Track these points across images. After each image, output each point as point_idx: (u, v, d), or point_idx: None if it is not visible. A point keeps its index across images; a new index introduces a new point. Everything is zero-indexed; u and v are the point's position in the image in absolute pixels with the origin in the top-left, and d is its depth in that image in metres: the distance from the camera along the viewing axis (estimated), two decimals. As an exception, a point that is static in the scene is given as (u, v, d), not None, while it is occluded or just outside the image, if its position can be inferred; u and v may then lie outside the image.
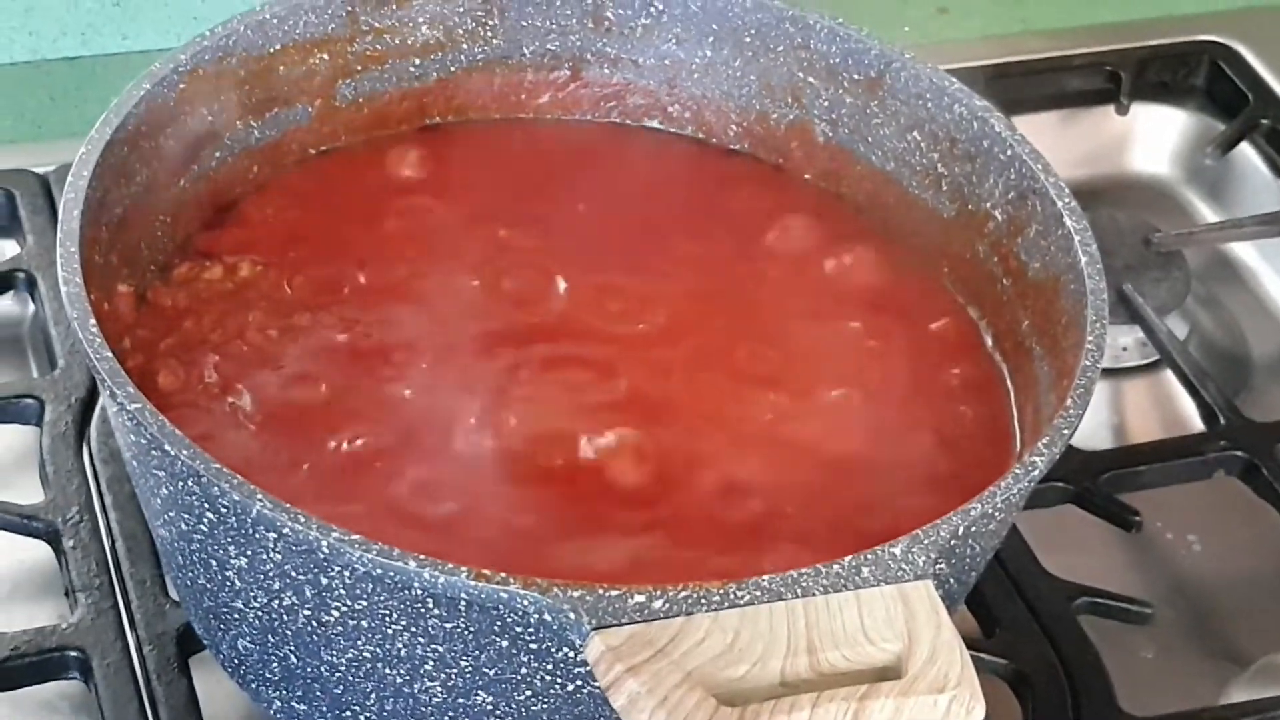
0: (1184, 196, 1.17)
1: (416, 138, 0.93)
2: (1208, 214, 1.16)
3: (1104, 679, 0.86)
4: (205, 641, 0.79)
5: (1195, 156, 1.17)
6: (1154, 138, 1.18)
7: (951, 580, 0.74)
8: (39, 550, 0.88)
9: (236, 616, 0.73)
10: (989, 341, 0.86)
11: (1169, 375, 1.02)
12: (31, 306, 0.99)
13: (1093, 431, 1.01)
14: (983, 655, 0.86)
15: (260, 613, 0.72)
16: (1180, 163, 1.18)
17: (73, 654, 0.82)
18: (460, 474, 0.78)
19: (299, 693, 0.74)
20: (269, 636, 0.72)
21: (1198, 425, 0.99)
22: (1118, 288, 1.04)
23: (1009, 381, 0.84)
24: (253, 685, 0.76)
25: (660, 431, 0.80)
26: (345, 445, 0.78)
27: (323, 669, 0.72)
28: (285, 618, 0.71)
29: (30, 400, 0.92)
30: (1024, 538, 0.91)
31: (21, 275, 0.97)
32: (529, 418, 0.80)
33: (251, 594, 0.71)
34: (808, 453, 0.81)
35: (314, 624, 0.70)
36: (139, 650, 0.83)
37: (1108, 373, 1.03)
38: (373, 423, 0.79)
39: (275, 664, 0.73)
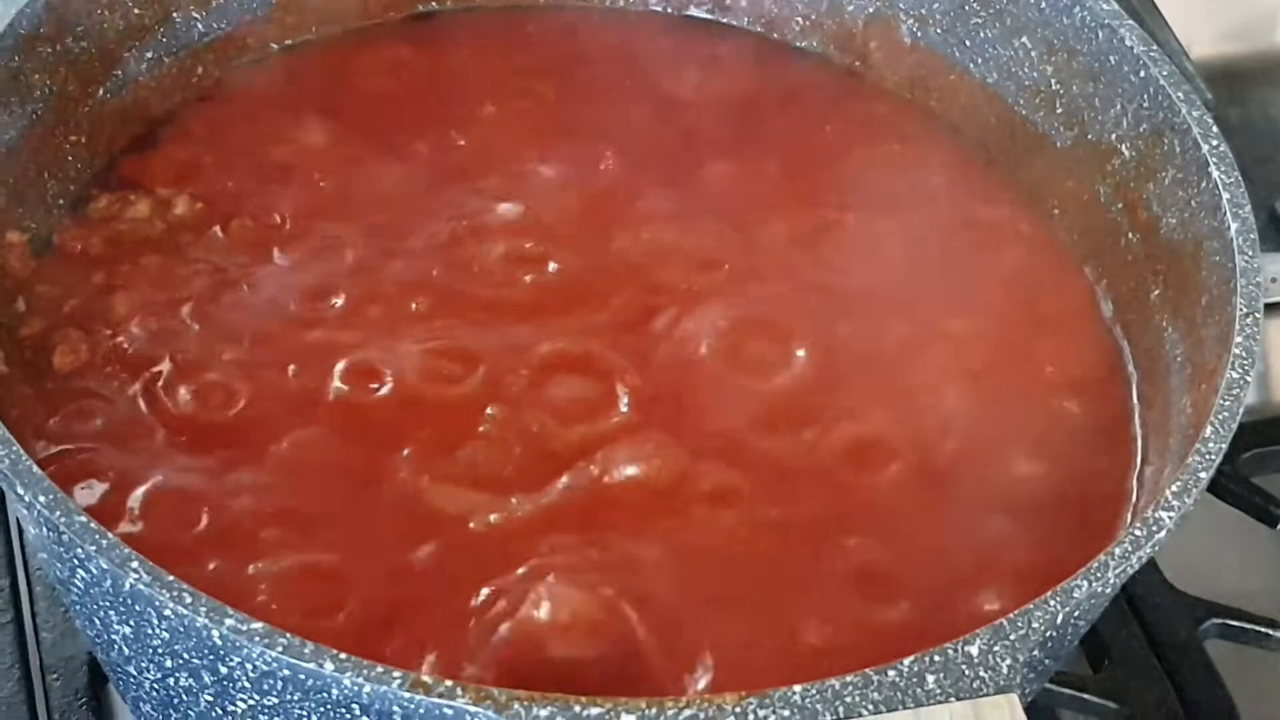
0: (1352, 82, 1.04)
1: (406, 28, 0.79)
2: (1381, 103, 1.03)
3: (1236, 724, 0.73)
4: (114, 687, 0.65)
5: (1365, 32, 1.04)
6: (1317, 9, 1.05)
7: (1046, 661, 0.59)
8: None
9: (133, 681, 0.59)
10: (1107, 310, 0.72)
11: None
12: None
13: (1233, 384, 0.86)
14: (1088, 696, 0.73)
15: (157, 686, 0.58)
16: (1348, 40, 1.05)
17: (-44, 685, 0.68)
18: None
19: (218, 777, 0.59)
20: (171, 712, 0.59)
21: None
22: (1269, 205, 0.91)
23: (1131, 367, 0.70)
24: (167, 754, 0.62)
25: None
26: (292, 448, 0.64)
27: (239, 759, 0.57)
28: (185, 698, 0.57)
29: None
30: (1143, 541, 0.75)
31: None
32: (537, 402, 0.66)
33: (143, 665, 0.58)
34: (867, 449, 0.66)
35: (219, 712, 0.56)
36: (41, 678, 0.70)
37: (1254, 311, 0.89)
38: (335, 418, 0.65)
39: (184, 740, 0.59)
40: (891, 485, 0.65)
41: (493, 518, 0.62)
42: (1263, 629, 0.76)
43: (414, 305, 0.68)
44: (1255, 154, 0.91)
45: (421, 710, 0.51)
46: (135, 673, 0.58)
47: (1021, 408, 0.68)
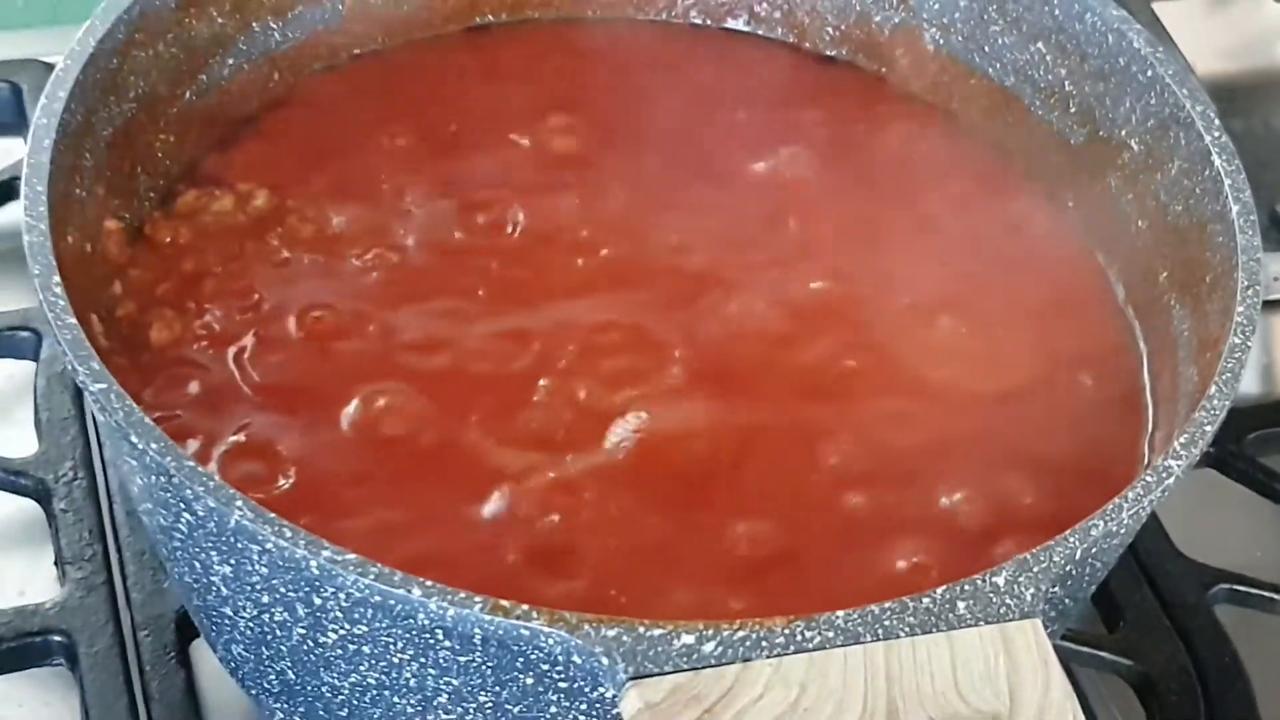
0: (1348, 97, 1.07)
1: (465, 39, 0.83)
2: (1375, 117, 1.05)
3: (1243, 683, 0.76)
4: (203, 636, 0.69)
5: (1363, 50, 1.07)
6: (1316, 28, 1.08)
7: (1066, 601, 0.64)
8: (32, 509, 0.78)
9: (228, 623, 0.64)
10: (1119, 294, 0.76)
11: (1329, 308, 0.92)
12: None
13: (1239, 376, 0.89)
14: (1104, 653, 0.76)
15: (251, 624, 0.62)
16: (1345, 57, 1.08)
17: (57, 638, 0.73)
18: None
19: (301, 709, 0.64)
20: (263, 649, 0.63)
21: (1363, 369, 0.90)
22: (1270, 207, 0.94)
23: (1142, 343, 0.74)
24: (253, 693, 0.67)
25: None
26: (367, 412, 0.68)
27: (324, 689, 0.62)
28: (279, 633, 0.61)
29: (26, 332, 0.82)
30: (1155, 513, 0.79)
31: (27, 182, 0.87)
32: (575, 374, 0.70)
33: (240, 604, 0.62)
34: (901, 415, 0.71)
35: (310, 643, 0.60)
36: (133, 635, 0.73)
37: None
38: (405, 386, 0.69)
39: (273, 676, 0.64)
40: (924, 447, 0.69)
41: (550, 474, 0.67)
42: (1268, 594, 0.79)
43: (480, 292, 0.73)
44: (1256, 159, 0.92)
45: (500, 631, 0.55)
46: (231, 613, 0.62)
47: (1041, 382, 0.72)
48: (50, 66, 0.91)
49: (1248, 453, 0.83)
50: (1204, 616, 0.78)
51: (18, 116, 0.92)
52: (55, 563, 0.76)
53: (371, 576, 0.56)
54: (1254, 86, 1.05)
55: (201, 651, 0.73)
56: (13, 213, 0.89)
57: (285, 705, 0.65)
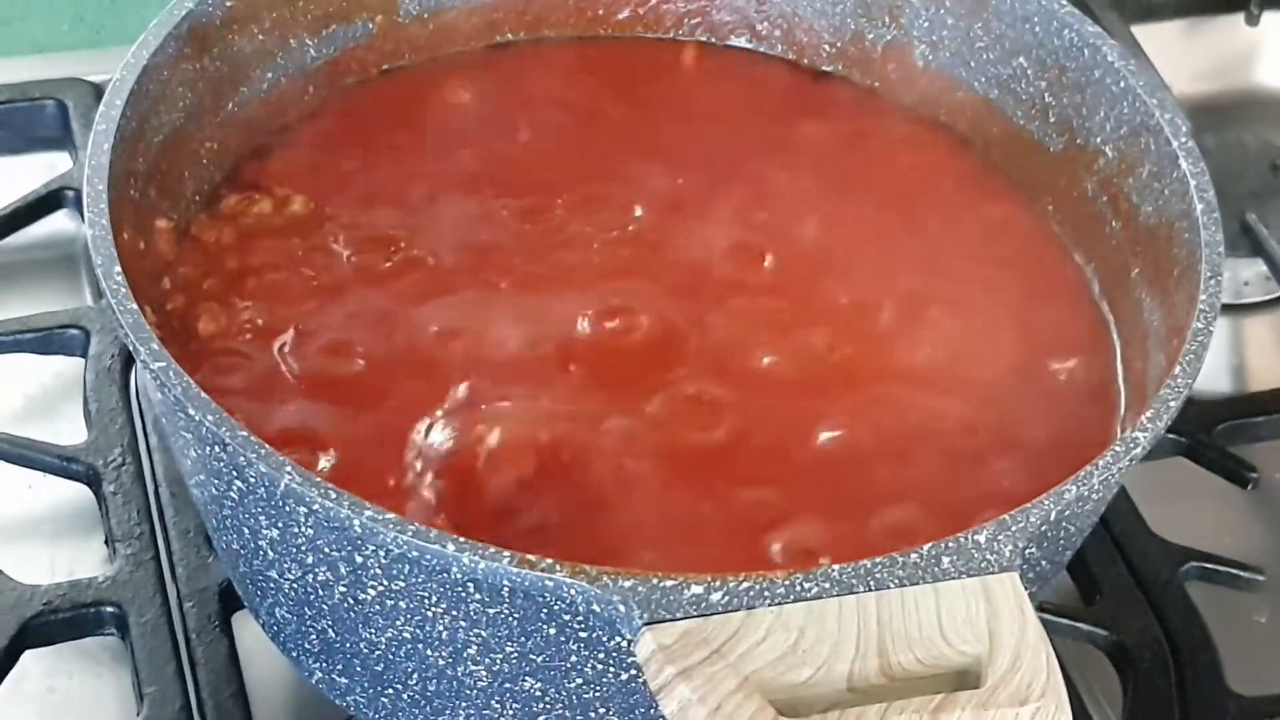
0: (1318, 115, 1.10)
1: (486, 56, 0.88)
2: (1344, 134, 1.09)
3: (1211, 653, 0.81)
4: (246, 604, 0.75)
5: (1332, 70, 1.11)
6: (1287, 50, 1.11)
7: (1044, 563, 0.69)
8: (82, 492, 0.83)
9: (272, 586, 0.68)
10: (1095, 289, 0.80)
11: (1295, 312, 0.96)
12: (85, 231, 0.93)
13: (1211, 374, 0.94)
14: (1081, 625, 0.81)
15: (295, 585, 0.67)
16: (1315, 78, 1.11)
17: (109, 609, 0.78)
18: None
19: (339, 666, 0.69)
20: (306, 609, 0.68)
21: (1327, 365, 0.93)
22: (1240, 217, 0.98)
23: (1115, 334, 0.79)
24: (293, 654, 0.72)
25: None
26: (400, 401, 0.73)
27: (362, 645, 0.67)
28: (321, 593, 0.66)
29: (76, 330, 0.87)
30: (1129, 495, 0.85)
31: (72, 193, 0.93)
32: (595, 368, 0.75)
33: (285, 566, 0.66)
34: (892, 402, 0.76)
35: (350, 601, 0.65)
36: (179, 606, 0.78)
37: (1228, 309, 0.98)
38: (433, 376, 0.74)
39: (314, 636, 0.69)
40: (912, 428, 0.74)
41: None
42: (1235, 571, 0.83)
43: (503, 285, 0.78)
44: (1229, 172, 0.98)
45: (526, 583, 0.60)
46: (276, 576, 0.67)
47: (1022, 371, 0.76)
48: (94, 85, 0.97)
49: (1218, 442, 0.87)
50: (1176, 591, 0.82)
51: (63, 132, 0.97)
52: (106, 541, 0.81)
53: (410, 533, 0.60)
54: (1228, 105, 1.09)
55: (243, 621, 0.78)
56: (58, 222, 0.95)
57: (324, 664, 0.70)
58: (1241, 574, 0.84)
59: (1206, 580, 0.84)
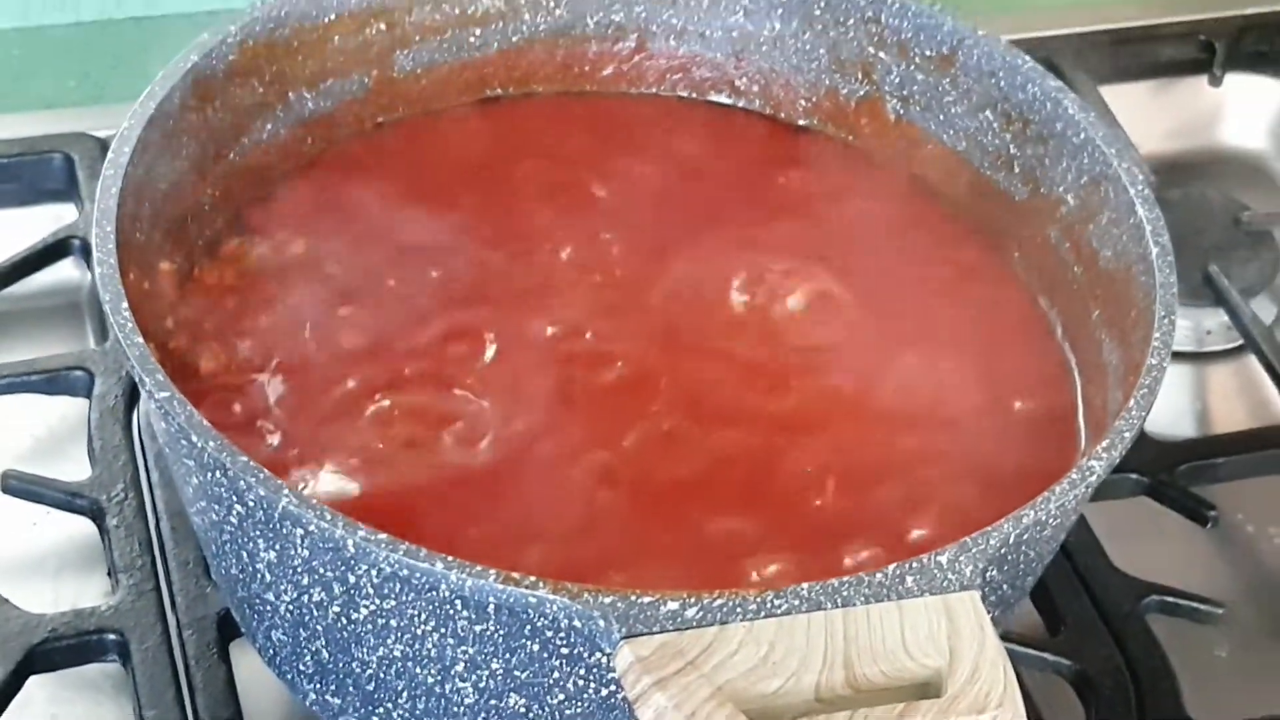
0: (1278, 172, 1.14)
1: (477, 110, 0.91)
2: (1304, 191, 1.12)
3: (1171, 682, 0.83)
4: (242, 629, 0.78)
5: (1291, 130, 1.14)
6: (1248, 110, 1.15)
7: (1005, 587, 0.72)
8: (86, 526, 0.86)
9: (269, 609, 0.71)
10: (1058, 331, 0.83)
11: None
12: (88, 273, 0.97)
13: (1175, 419, 0.98)
14: (1046, 654, 0.84)
15: (291, 606, 0.70)
16: (1275, 136, 1.15)
17: (111, 637, 0.81)
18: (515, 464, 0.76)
19: (332, 686, 0.72)
20: (300, 630, 0.71)
21: (1284, 414, 0.96)
22: (1203, 268, 1.01)
23: (1077, 373, 0.82)
24: (288, 676, 0.75)
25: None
26: (391, 432, 0.76)
27: (354, 665, 0.70)
28: (315, 613, 0.69)
29: (80, 372, 0.90)
30: (1094, 531, 0.88)
31: (77, 242, 0.96)
32: (588, 406, 0.79)
33: (282, 588, 0.69)
34: (862, 438, 0.79)
35: (344, 620, 0.68)
36: (179, 634, 0.81)
37: (1191, 357, 1.01)
38: (426, 412, 0.77)
39: (308, 657, 0.72)
40: (881, 464, 0.77)
41: None
42: (1194, 604, 0.85)
43: (490, 343, 0.80)
44: (1192, 226, 1.02)
45: (511, 600, 0.63)
46: (273, 598, 0.70)
47: (990, 408, 0.79)
48: (99, 140, 1.00)
49: (1179, 482, 0.90)
50: (1137, 623, 0.85)
51: (69, 184, 1.00)
52: (108, 573, 0.84)
53: (400, 552, 0.64)
54: (1193, 162, 1.12)
55: (240, 650, 0.81)
56: (64, 270, 0.98)
57: (318, 685, 0.72)
58: (1201, 607, 0.86)
59: (1167, 613, 0.86)
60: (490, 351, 0.80)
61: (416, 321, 0.81)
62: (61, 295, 0.99)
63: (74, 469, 0.88)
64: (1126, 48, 1.14)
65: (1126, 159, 0.81)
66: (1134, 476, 0.90)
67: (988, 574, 0.67)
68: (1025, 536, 0.68)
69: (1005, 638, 0.78)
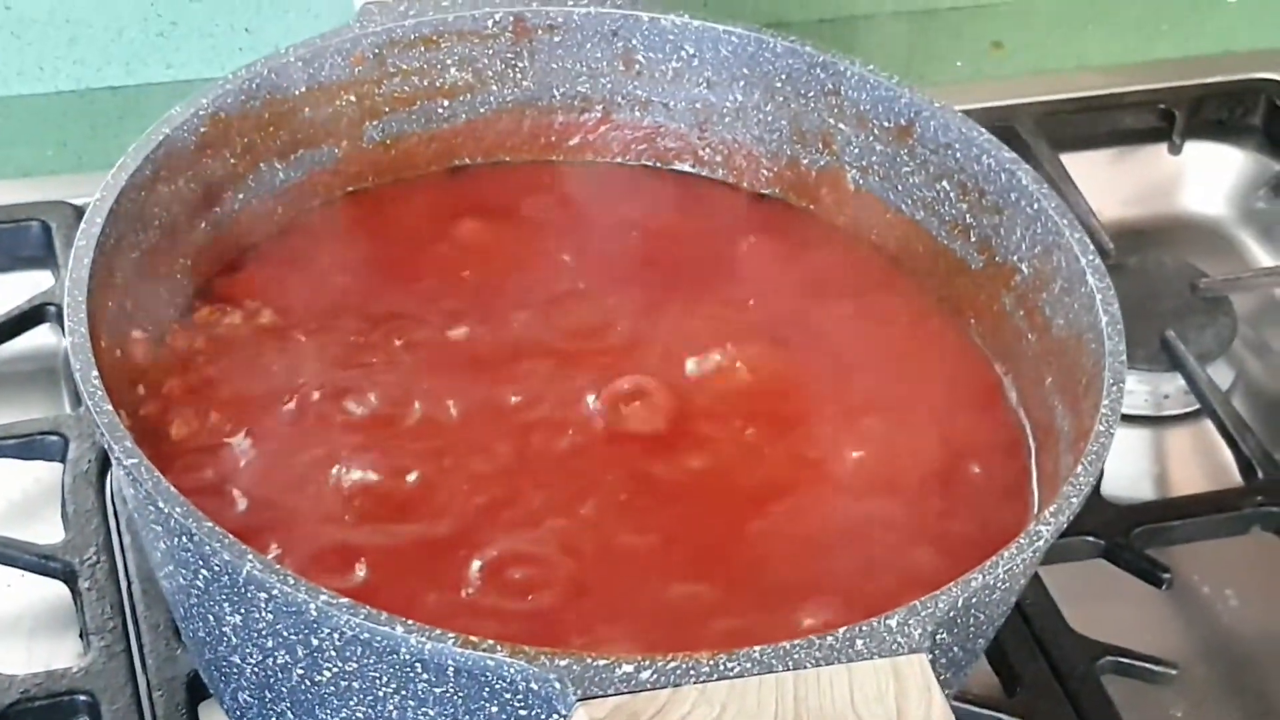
0: (1237, 238, 1.15)
1: (445, 179, 0.93)
2: (1261, 256, 1.14)
3: (1126, 742, 0.84)
4: (211, 690, 0.79)
5: (1249, 198, 1.16)
6: (1207, 178, 1.17)
7: (956, 649, 0.73)
8: (59, 589, 0.88)
9: (235, 670, 0.73)
10: (1013, 397, 0.85)
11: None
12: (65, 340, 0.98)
13: (1132, 482, 0.99)
14: (1002, 715, 0.85)
15: (257, 669, 0.71)
16: (1233, 204, 1.16)
17: (82, 698, 0.82)
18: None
19: (298, 748, 0.73)
20: (266, 692, 0.72)
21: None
22: (1160, 334, 1.03)
23: (1030, 438, 0.83)
24: (255, 737, 0.76)
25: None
26: (359, 501, 0.78)
27: (319, 726, 0.71)
28: (280, 675, 0.70)
29: (55, 437, 0.92)
30: (1050, 593, 0.89)
31: (54, 308, 0.97)
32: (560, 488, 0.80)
33: (247, 650, 0.71)
34: (820, 502, 0.80)
35: (308, 683, 0.70)
36: (149, 695, 0.82)
37: (1149, 421, 1.02)
38: (388, 478, 0.79)
39: (274, 718, 0.73)
40: (839, 527, 0.79)
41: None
42: (1148, 665, 0.87)
43: (451, 407, 0.81)
44: (1149, 291, 1.04)
45: (469, 663, 0.64)
46: (239, 660, 0.71)
47: (945, 472, 0.81)
48: (76, 208, 1.02)
49: (1135, 545, 0.91)
50: (1092, 684, 0.86)
51: (46, 252, 1.02)
52: (80, 634, 0.85)
53: (361, 616, 0.65)
54: (1151, 228, 1.14)
55: (209, 710, 0.82)
56: (41, 336, 0.99)
57: (284, 746, 0.75)
58: (1155, 668, 0.87)
59: (1122, 674, 0.87)
60: (453, 417, 0.81)
61: (382, 390, 0.82)
62: (38, 360, 1.00)
63: (48, 532, 0.90)
64: (1087, 116, 1.16)
65: (1078, 229, 0.82)
66: (1090, 539, 0.91)
67: (937, 637, 0.68)
68: (974, 600, 0.69)
69: (961, 698, 0.81)
